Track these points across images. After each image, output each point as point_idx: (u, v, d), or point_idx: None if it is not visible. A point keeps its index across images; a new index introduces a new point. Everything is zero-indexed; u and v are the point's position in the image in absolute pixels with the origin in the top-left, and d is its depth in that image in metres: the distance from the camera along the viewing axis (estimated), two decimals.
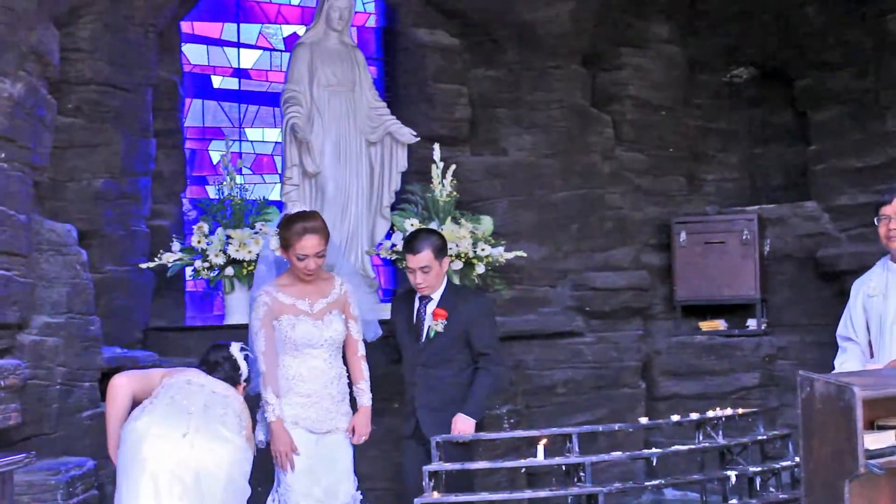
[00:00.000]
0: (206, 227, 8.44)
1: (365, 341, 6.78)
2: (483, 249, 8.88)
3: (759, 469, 6.89)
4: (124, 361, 7.49)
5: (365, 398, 6.50)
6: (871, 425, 4.65)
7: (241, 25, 9.96)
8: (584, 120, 10.51)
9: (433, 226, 8.81)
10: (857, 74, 10.52)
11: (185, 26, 9.55)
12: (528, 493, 6.61)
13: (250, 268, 8.17)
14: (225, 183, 8.67)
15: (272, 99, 9.77)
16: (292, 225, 6.21)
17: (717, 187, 11.38)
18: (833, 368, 6.28)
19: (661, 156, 11.02)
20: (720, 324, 10.56)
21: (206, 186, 9.54)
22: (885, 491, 4.74)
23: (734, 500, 6.83)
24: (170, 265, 8.37)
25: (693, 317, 10.66)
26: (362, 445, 6.63)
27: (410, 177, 9.31)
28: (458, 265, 8.76)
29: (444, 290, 6.80)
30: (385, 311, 7.99)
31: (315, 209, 8.07)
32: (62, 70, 7.49)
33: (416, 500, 6.10)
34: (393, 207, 9.13)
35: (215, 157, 9.57)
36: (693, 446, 6.98)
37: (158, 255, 8.36)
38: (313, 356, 6.28)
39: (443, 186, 9.00)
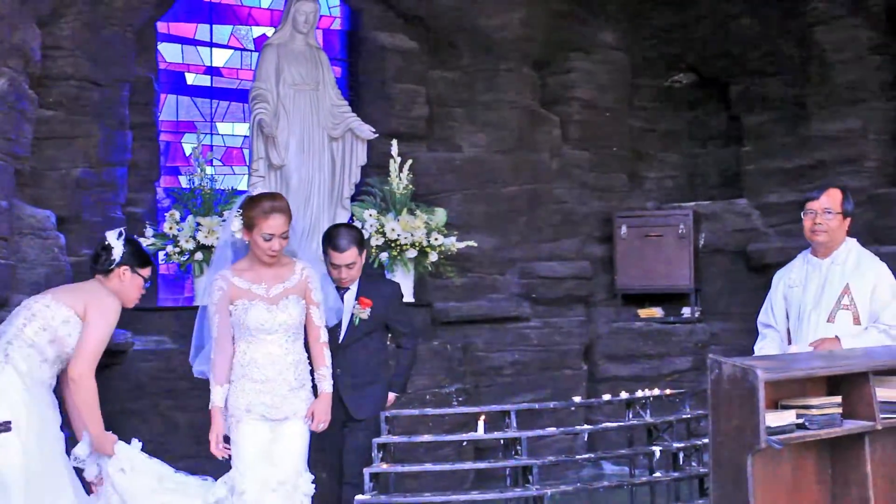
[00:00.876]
0: (177, 215, 8.54)
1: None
2: (436, 239, 9.04)
3: (682, 445, 7.09)
4: None
5: (326, 384, 5.94)
6: (775, 405, 4.84)
7: (214, 26, 9.99)
8: (533, 120, 10.58)
9: (390, 216, 8.99)
10: (787, 82, 10.70)
11: (161, 26, 9.59)
12: (469, 465, 6.81)
13: None
14: (196, 173, 8.78)
15: (242, 95, 9.81)
16: (259, 204, 5.82)
17: (657, 184, 11.49)
18: (753, 353, 6.45)
19: (605, 154, 11.11)
20: (657, 311, 10.67)
21: (179, 176, 9.57)
22: (787, 465, 4.93)
23: (658, 473, 7.03)
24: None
25: (632, 304, 10.79)
26: None
27: (370, 170, 9.42)
28: (413, 254, 8.92)
29: (359, 278, 6.62)
30: None
31: None
32: (44, 66, 7.59)
33: (365, 469, 6.27)
34: (353, 199, 9.25)
35: (188, 149, 9.63)
36: (622, 423, 7.17)
37: None
38: (268, 341, 5.79)
39: (400, 180, 9.15)
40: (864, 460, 4.95)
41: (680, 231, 10.50)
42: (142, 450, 5.92)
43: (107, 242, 5.93)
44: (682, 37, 11.27)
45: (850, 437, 4.95)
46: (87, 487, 5.82)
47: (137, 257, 6.01)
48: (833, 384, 5.06)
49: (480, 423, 6.63)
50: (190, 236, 8.43)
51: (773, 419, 4.60)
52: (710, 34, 11.09)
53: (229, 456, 5.86)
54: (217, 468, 6.73)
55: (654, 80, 11.57)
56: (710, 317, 10.78)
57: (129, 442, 5.89)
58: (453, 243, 9.16)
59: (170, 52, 9.76)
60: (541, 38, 10.59)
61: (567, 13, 10.76)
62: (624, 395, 7.21)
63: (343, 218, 9.12)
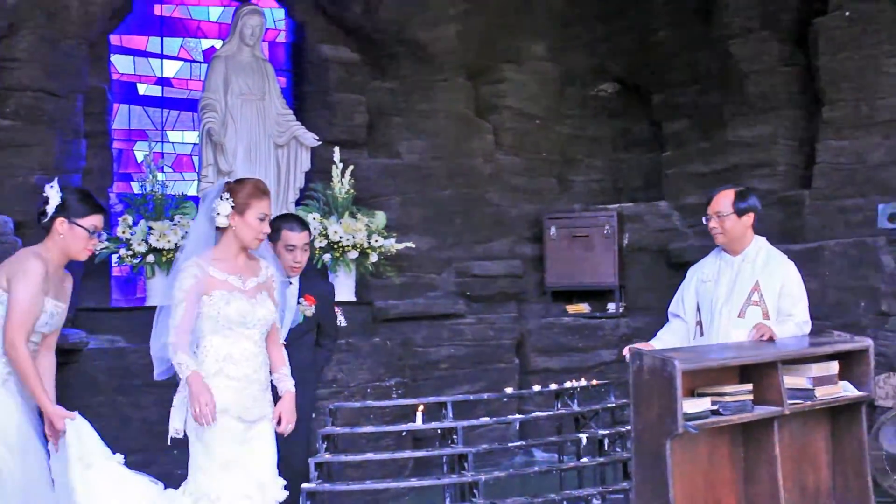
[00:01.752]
0: (130, 219, 8.53)
1: None
2: (377, 241, 9.10)
3: (608, 432, 7.21)
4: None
5: (289, 384, 5.38)
6: (692, 393, 4.97)
7: (165, 39, 9.99)
8: (468, 127, 10.64)
9: (333, 219, 9.03)
10: (704, 91, 10.83)
11: (114, 39, 9.58)
12: (408, 454, 6.87)
13: (170, 255, 8.26)
14: (148, 180, 8.76)
15: (192, 105, 9.81)
16: (250, 185, 5.26)
17: (584, 188, 11.56)
18: None
19: (535, 159, 11.18)
20: (584, 307, 10.74)
21: (131, 183, 9.55)
22: (703, 449, 5.07)
23: (585, 459, 7.15)
24: (97, 252, 8.42)
25: (561, 301, 10.85)
26: None
27: (314, 176, 9.45)
28: (354, 255, 8.97)
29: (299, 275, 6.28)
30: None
31: None
32: (1, 77, 7.56)
33: (311, 459, 6.31)
34: (297, 203, 9.29)
35: (139, 156, 9.59)
36: (551, 413, 7.27)
37: None
38: (245, 336, 5.14)
39: (342, 185, 9.19)
40: (774, 443, 5.10)
41: (605, 231, 10.58)
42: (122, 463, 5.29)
43: (44, 194, 5.27)
44: (608, 49, 11.39)
45: (760, 422, 5.10)
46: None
47: (75, 206, 5.25)
48: (745, 373, 5.21)
49: (419, 415, 6.71)
50: (142, 240, 8.43)
51: (690, 406, 4.73)
52: (634, 46, 11.23)
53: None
54: (173, 463, 6.73)
55: (581, 90, 11.63)
56: (634, 312, 10.85)
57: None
58: (393, 245, 9.22)
59: (122, 64, 9.74)
60: (475, 51, 10.66)
61: (499, 26, 10.82)
62: (553, 386, 7.31)
63: None
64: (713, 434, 5.08)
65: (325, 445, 6.42)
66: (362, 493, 7.41)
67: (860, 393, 5.64)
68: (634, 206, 11.13)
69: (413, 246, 9.51)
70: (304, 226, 6.31)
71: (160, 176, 8.89)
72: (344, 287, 9.08)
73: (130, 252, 8.45)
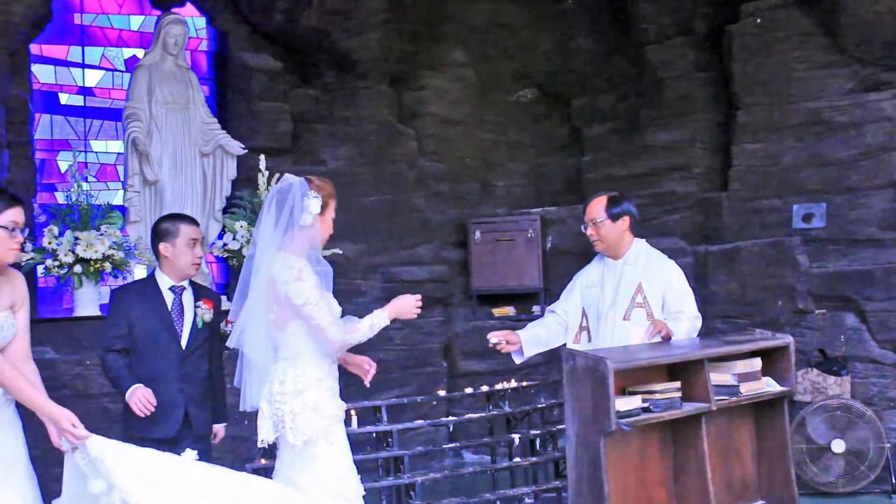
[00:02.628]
0: (55, 230, 8.42)
1: None
2: None
3: (539, 432, 7.34)
4: None
5: None
6: (623, 392, 5.12)
7: (86, 48, 9.89)
8: (391, 134, 10.69)
9: None
10: (622, 97, 11.05)
11: (35, 48, 9.45)
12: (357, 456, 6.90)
13: (97, 265, 8.21)
14: (73, 189, 8.67)
15: (115, 114, 9.71)
16: (330, 183, 5.22)
17: (506, 192, 11.65)
18: None
19: (458, 165, 11.25)
20: (510, 310, 10.81)
21: (56, 193, 9.45)
22: (634, 445, 5.22)
23: (518, 459, 7.27)
24: (22, 263, 8.34)
25: (487, 304, 10.94)
26: None
27: (240, 184, 9.43)
28: None
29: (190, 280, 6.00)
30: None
31: (154, 213, 8.30)
32: None
33: (247, 465, 6.32)
34: (224, 211, 9.27)
35: (63, 166, 9.48)
36: (483, 414, 7.38)
37: None
38: None
39: (268, 192, 9.17)
40: (702, 438, 5.26)
41: (529, 235, 10.69)
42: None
43: None
44: (528, 55, 11.49)
45: (689, 418, 5.27)
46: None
47: None
48: (673, 371, 5.36)
49: (354, 418, 6.76)
50: (69, 250, 8.33)
51: (622, 404, 4.87)
52: (553, 53, 11.37)
53: None
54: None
55: (501, 96, 11.72)
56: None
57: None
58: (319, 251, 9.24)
59: (43, 73, 9.62)
60: (396, 58, 10.73)
61: (420, 34, 10.90)
62: (485, 388, 7.42)
63: (216, 230, 9.16)
64: (644, 431, 5.23)
65: (260, 452, 6.43)
66: None
67: (782, 388, 5.84)
68: (556, 209, 11.23)
69: (339, 252, 9.52)
70: (193, 220, 6.11)
71: (85, 186, 8.79)
72: None
73: (57, 263, 8.34)
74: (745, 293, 9.65)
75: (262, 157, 9.24)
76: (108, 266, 8.26)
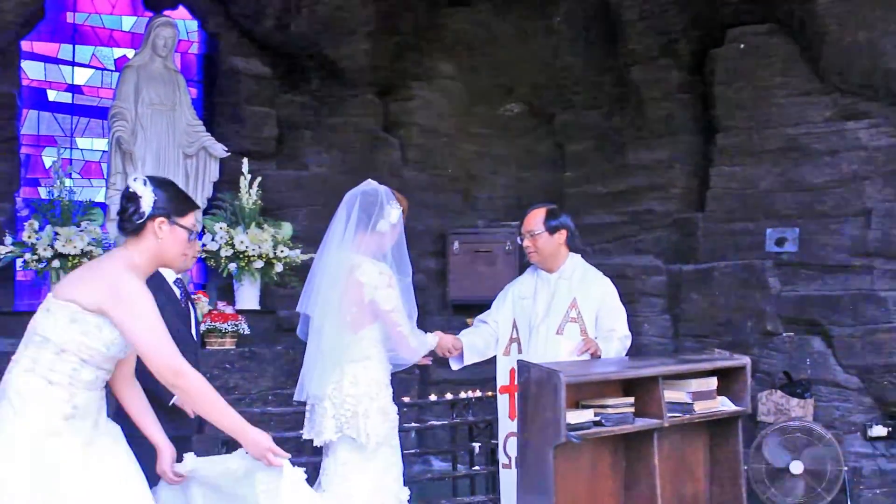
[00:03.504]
0: (36, 224, 8.48)
1: None
2: (282, 251, 9.18)
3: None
4: None
5: None
6: (577, 405, 5.21)
7: (77, 47, 10.00)
8: (375, 142, 10.76)
9: (239, 229, 9.10)
10: (606, 114, 11.11)
11: (25, 45, 9.57)
12: (305, 458, 6.98)
13: (75, 261, 8.27)
14: (55, 185, 8.77)
15: (102, 113, 9.80)
16: (405, 199, 5.46)
17: (488, 204, 11.66)
18: None
19: (440, 175, 11.28)
20: None
21: (39, 188, 9.56)
22: (586, 458, 5.30)
23: (478, 467, 7.35)
24: (2, 256, 8.44)
25: (463, 314, 10.90)
26: None
27: (222, 186, 9.51)
28: (260, 264, 9.07)
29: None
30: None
31: None
32: None
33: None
34: (205, 212, 9.31)
35: (48, 162, 9.58)
36: (446, 422, 7.47)
37: None
38: None
39: (249, 195, 9.27)
40: (653, 454, 5.34)
41: (507, 247, 10.70)
42: None
43: (131, 190, 4.16)
44: (514, 70, 11.52)
45: (641, 434, 5.35)
46: None
47: (175, 203, 4.22)
48: (628, 387, 5.45)
49: None
50: (48, 245, 8.40)
51: (574, 417, 4.95)
52: (540, 69, 11.41)
53: None
54: None
55: (487, 109, 11.74)
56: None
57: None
58: (298, 255, 9.32)
59: (33, 70, 9.73)
60: (384, 68, 10.82)
61: (409, 45, 11.00)
62: (449, 396, 7.50)
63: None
64: (597, 444, 5.31)
65: (224, 451, 6.51)
66: None
67: (737, 408, 5.93)
68: None
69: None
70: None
71: (68, 182, 8.87)
72: (249, 296, 9.19)
73: (35, 257, 8.41)
74: (716, 313, 9.77)
75: (245, 160, 9.33)
76: (85, 262, 8.32)
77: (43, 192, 9.27)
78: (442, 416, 8.47)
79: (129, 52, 9.90)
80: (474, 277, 10.76)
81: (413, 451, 7.57)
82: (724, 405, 5.87)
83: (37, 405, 3.88)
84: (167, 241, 4.16)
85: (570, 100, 11.38)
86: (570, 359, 5.77)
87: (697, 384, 5.65)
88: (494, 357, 6.34)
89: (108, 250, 8.51)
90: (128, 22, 10.27)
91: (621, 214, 10.88)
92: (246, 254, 9.04)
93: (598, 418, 5.12)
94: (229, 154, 9.41)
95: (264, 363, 8.72)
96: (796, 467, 8.27)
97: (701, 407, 5.65)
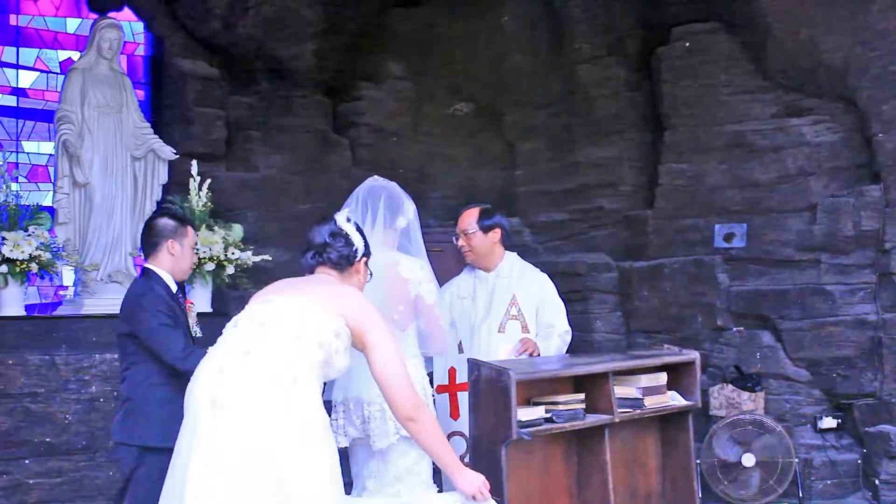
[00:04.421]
0: None
1: None
2: (233, 253, 9.10)
3: None
4: None
5: None
6: (528, 402, 5.25)
7: (21, 49, 9.93)
8: (325, 143, 10.76)
9: None
10: (555, 113, 11.14)
11: None
12: None
13: (23, 266, 8.18)
14: (1, 190, 8.67)
15: (48, 116, 9.74)
16: None
17: (440, 203, 11.64)
18: None
19: (392, 175, 10.65)
20: None
21: None
22: (539, 454, 5.35)
23: None
24: None
25: None
26: None
27: (172, 188, 9.40)
28: (211, 266, 9.02)
29: None
30: None
31: (83, 216, 8.31)
32: None
33: None
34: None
35: None
36: None
37: None
38: None
39: (199, 197, 9.18)
40: (605, 449, 5.40)
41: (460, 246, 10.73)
42: None
43: (341, 229, 4.51)
44: (463, 70, 11.56)
45: (592, 429, 5.40)
46: None
47: (367, 244, 4.64)
48: (578, 383, 5.50)
49: None
50: None
51: (525, 414, 4.98)
52: (488, 69, 11.44)
53: None
54: (22, 472, 6.71)
55: (437, 109, 11.77)
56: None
57: None
58: (249, 257, 9.27)
59: None
60: (332, 68, 10.83)
61: (357, 46, 11.01)
62: None
63: None
64: (548, 441, 5.36)
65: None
66: None
67: (687, 402, 5.99)
68: None
69: (270, 258, 9.57)
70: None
71: (14, 186, 8.80)
72: (201, 298, 9.12)
73: None
74: (667, 309, 9.87)
75: (195, 162, 9.25)
76: (34, 267, 8.24)
77: None
78: None
79: (75, 55, 9.82)
80: None
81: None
82: (674, 400, 5.93)
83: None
84: (363, 281, 4.59)
85: (519, 99, 11.41)
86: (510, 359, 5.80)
87: (647, 379, 5.71)
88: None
89: (56, 254, 8.40)
90: (72, 24, 10.21)
91: (572, 212, 10.94)
92: (197, 255, 8.97)
93: (549, 415, 5.15)
94: (178, 156, 9.33)
95: None
96: (748, 460, 8.37)
97: (651, 402, 5.70)
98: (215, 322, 9.34)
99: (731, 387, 8.96)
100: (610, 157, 10.75)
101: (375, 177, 5.53)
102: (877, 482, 8.48)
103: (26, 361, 7.54)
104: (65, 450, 7.53)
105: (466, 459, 5.57)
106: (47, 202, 9.43)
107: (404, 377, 4.13)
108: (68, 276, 9.33)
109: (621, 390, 5.55)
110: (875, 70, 8.95)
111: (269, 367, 3.88)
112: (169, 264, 5.48)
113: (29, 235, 8.39)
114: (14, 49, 9.90)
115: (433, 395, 5.97)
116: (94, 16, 9.85)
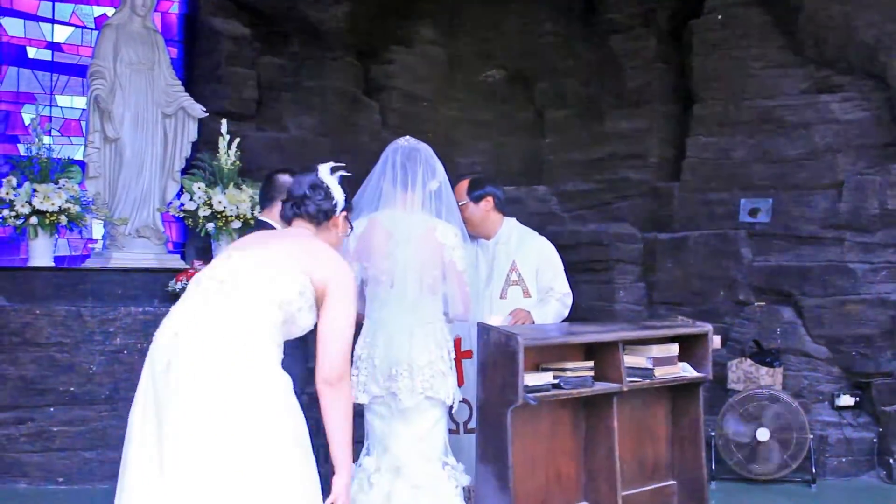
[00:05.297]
0: (14, 181, 8.52)
1: None
2: (260, 212, 9.24)
3: None
4: None
5: None
6: (537, 367, 5.32)
7: (56, 4, 10.03)
8: (355, 105, 10.84)
9: (217, 189, 9.12)
10: (585, 82, 11.18)
11: (4, 1, 9.60)
12: None
13: (53, 218, 8.33)
14: (34, 143, 8.81)
15: (81, 71, 9.83)
16: None
17: (467, 169, 11.39)
18: None
19: (420, 140, 11.24)
20: None
21: (18, 144, 9.62)
22: (546, 420, 5.42)
23: None
24: None
25: None
26: None
27: (201, 146, 9.47)
28: (237, 224, 9.12)
29: None
30: (175, 261, 8.36)
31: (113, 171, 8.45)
32: None
33: None
34: (183, 172, 9.37)
35: (27, 118, 9.65)
36: None
37: None
38: None
39: (228, 156, 9.30)
40: (612, 417, 5.46)
41: None
42: None
43: (322, 181, 4.32)
44: (495, 36, 11.60)
45: (601, 397, 5.46)
46: None
47: (348, 197, 4.45)
48: (589, 351, 5.57)
49: None
50: (26, 201, 8.44)
51: (532, 380, 5.05)
52: (520, 35, 11.48)
53: None
54: (47, 420, 6.86)
55: (468, 74, 11.80)
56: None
57: None
58: None
59: (12, 26, 9.76)
60: (364, 31, 10.89)
61: (389, 9, 11.06)
62: None
63: (174, 190, 9.28)
64: (557, 407, 5.43)
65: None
66: None
67: (698, 374, 6.02)
68: (515, 189, 11.18)
69: None
70: None
71: (47, 139, 8.93)
72: None
73: (13, 213, 8.46)
74: (689, 282, 9.89)
75: (224, 120, 9.35)
76: (63, 219, 8.39)
77: (22, 149, 9.31)
78: None
79: (110, 10, 9.89)
80: None
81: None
82: (685, 371, 5.97)
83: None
84: (341, 235, 4.38)
85: (550, 67, 11.43)
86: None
87: (658, 350, 5.75)
88: None
89: (86, 207, 8.55)
90: None
91: (598, 182, 10.98)
92: (224, 214, 9.06)
93: (556, 381, 5.22)
94: (208, 114, 9.43)
95: None
96: (762, 434, 8.41)
97: (661, 372, 5.75)
98: None
99: (749, 361, 8.98)
100: (638, 129, 10.77)
101: (408, 137, 5.48)
102: (891, 461, 8.51)
103: (53, 312, 7.72)
104: (88, 399, 7.71)
105: (471, 424, 5.70)
106: (79, 156, 9.55)
107: (346, 343, 3.97)
108: (97, 230, 9.48)
109: (631, 360, 5.60)
110: None
111: (225, 329, 3.74)
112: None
113: (59, 188, 8.54)
114: (50, 3, 10.00)
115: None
116: None
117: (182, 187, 9.21)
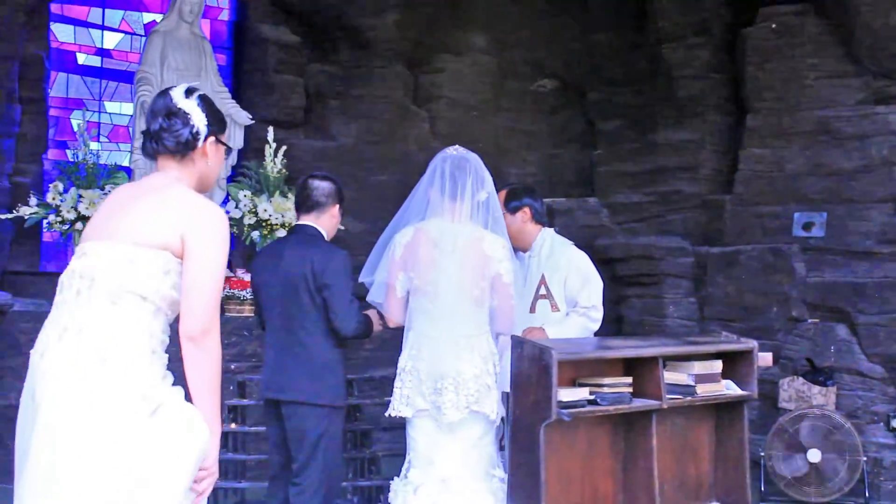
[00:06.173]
0: (60, 186, 8.55)
1: None
2: None
3: None
4: None
5: None
6: (573, 382, 5.20)
7: (107, 10, 10.08)
8: (404, 114, 10.78)
9: (263, 197, 9.12)
10: (637, 92, 11.03)
11: (55, 7, 9.66)
12: None
13: None
14: (81, 149, 8.83)
15: (130, 77, 9.79)
16: None
17: (517, 180, 11.53)
18: None
19: (470, 150, 11.21)
20: None
21: (66, 150, 9.66)
22: (583, 437, 5.30)
23: None
24: (27, 217, 8.52)
25: None
26: None
27: (249, 154, 9.52)
28: (282, 233, 9.09)
29: None
30: None
31: None
32: None
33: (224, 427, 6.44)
34: (229, 179, 9.39)
35: (76, 124, 9.69)
36: None
37: (17, 208, 8.49)
38: None
39: (274, 164, 9.28)
40: (651, 435, 5.32)
41: None
42: None
43: (177, 106, 3.65)
44: (547, 46, 11.50)
45: (639, 414, 5.33)
46: None
47: (217, 117, 3.78)
48: (629, 366, 5.43)
49: None
50: (72, 207, 8.47)
51: (567, 395, 4.93)
52: (572, 45, 11.37)
53: None
54: None
55: (519, 84, 11.72)
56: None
57: None
58: None
59: (62, 32, 9.82)
60: (414, 39, 10.83)
61: (439, 17, 10.99)
62: None
63: (220, 197, 9.27)
64: (594, 423, 5.30)
65: (231, 416, 6.58)
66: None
67: (742, 392, 5.86)
68: (566, 200, 11.13)
69: (343, 228, 9.60)
70: None
71: (94, 145, 8.96)
72: None
73: (59, 218, 8.49)
74: (741, 297, 9.68)
75: (271, 128, 9.34)
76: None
77: (70, 155, 9.34)
78: None
79: (159, 17, 9.91)
80: None
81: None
82: (728, 389, 5.81)
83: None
84: (214, 163, 3.76)
85: (602, 77, 11.31)
86: None
87: (701, 367, 5.60)
88: None
89: None
90: None
91: (649, 194, 10.82)
92: (269, 222, 9.05)
93: (592, 397, 5.09)
94: (254, 122, 9.43)
95: None
96: (814, 456, 8.20)
97: (704, 390, 5.59)
98: None
99: (801, 380, 8.77)
100: (690, 140, 10.60)
101: (457, 146, 5.42)
102: None
103: None
104: None
105: (504, 441, 5.57)
106: (126, 162, 9.58)
107: (212, 294, 3.46)
108: None
109: (672, 376, 5.46)
110: None
111: (88, 344, 3.35)
112: (327, 226, 5.86)
113: (105, 194, 8.55)
114: (100, 10, 10.04)
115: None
116: None
117: (228, 195, 9.20)
